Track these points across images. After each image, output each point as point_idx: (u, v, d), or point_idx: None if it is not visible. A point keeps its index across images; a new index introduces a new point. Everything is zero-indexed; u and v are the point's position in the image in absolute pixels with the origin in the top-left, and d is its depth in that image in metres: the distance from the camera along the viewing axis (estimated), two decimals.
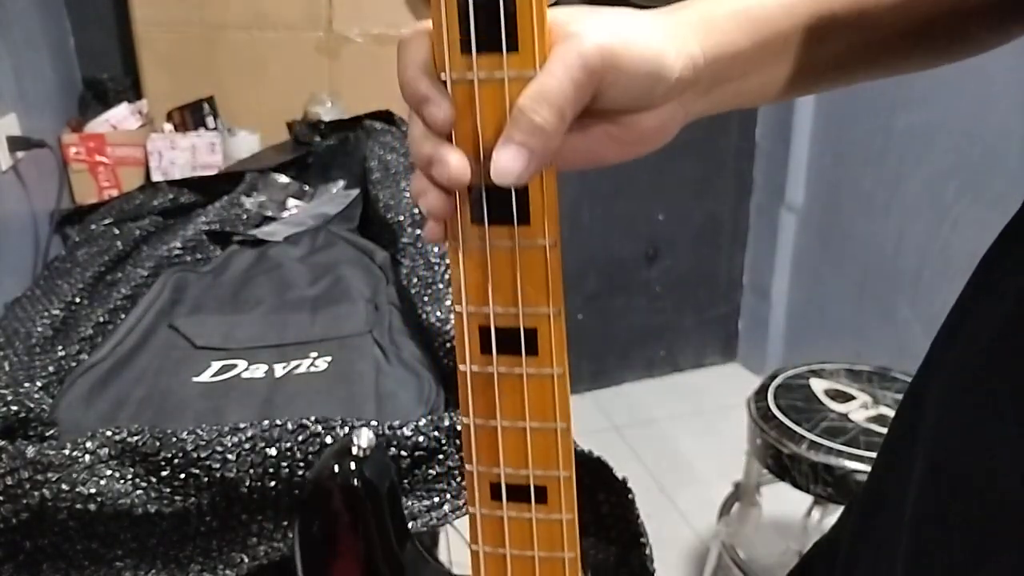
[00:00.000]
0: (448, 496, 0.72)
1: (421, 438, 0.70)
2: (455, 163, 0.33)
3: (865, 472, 1.18)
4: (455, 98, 0.32)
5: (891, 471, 0.41)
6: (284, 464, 0.67)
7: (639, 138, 0.37)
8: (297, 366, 0.85)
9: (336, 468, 0.54)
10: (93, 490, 0.65)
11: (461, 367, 0.39)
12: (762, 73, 0.39)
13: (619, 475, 0.72)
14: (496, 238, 0.35)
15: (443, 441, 0.71)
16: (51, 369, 0.83)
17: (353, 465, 0.54)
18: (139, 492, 0.67)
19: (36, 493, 0.65)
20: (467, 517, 0.73)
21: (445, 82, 0.32)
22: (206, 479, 0.67)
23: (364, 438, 0.54)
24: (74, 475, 0.65)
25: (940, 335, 0.40)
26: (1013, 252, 0.36)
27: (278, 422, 0.69)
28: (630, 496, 0.74)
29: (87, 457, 0.66)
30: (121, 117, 1.47)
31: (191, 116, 1.54)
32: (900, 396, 0.98)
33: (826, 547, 0.49)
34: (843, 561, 0.44)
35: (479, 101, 0.32)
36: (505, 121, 0.32)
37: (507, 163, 0.31)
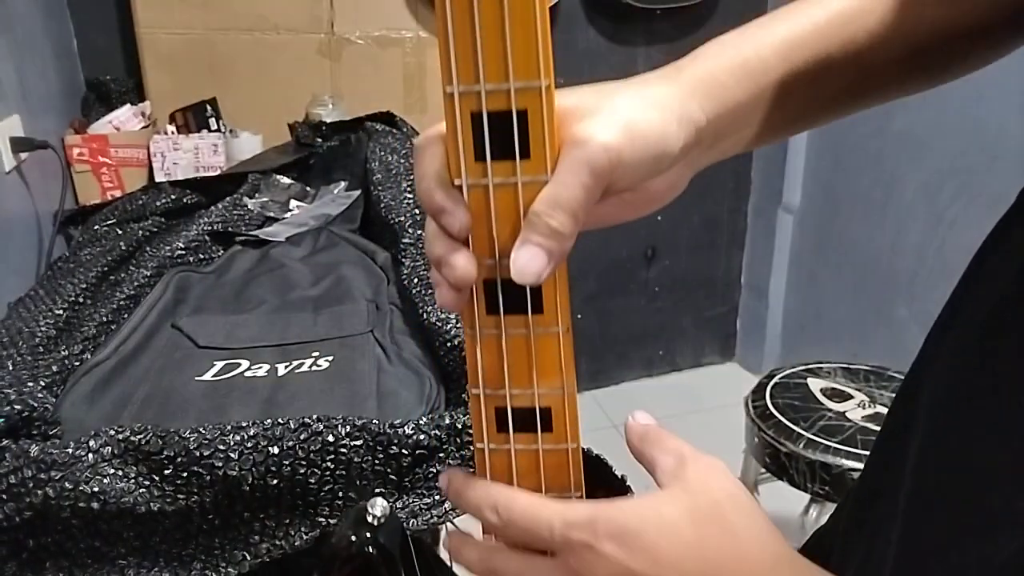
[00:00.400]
0: None
1: (422, 436, 0.71)
2: (462, 267, 0.34)
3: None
4: (470, 201, 0.34)
5: (885, 465, 0.42)
6: (286, 462, 0.68)
7: (650, 199, 0.39)
8: (299, 365, 0.86)
9: (353, 537, 0.57)
10: (96, 488, 0.66)
11: (479, 445, 0.40)
12: (762, 120, 0.41)
13: (618, 473, 0.73)
14: (511, 327, 0.36)
15: (444, 440, 0.72)
16: (54, 368, 0.84)
17: (369, 534, 0.56)
18: (142, 490, 0.67)
19: (39, 492, 0.65)
20: (467, 515, 0.74)
21: (460, 187, 0.34)
22: (208, 477, 0.67)
23: (379, 508, 0.57)
24: (77, 474, 0.66)
25: (933, 331, 0.41)
26: (1002, 247, 0.37)
27: (280, 421, 0.69)
28: (630, 494, 0.74)
29: (90, 456, 0.66)
30: (124, 118, 1.48)
31: (194, 118, 1.55)
32: None
33: (820, 540, 0.50)
34: (838, 552, 0.45)
35: (494, 204, 0.34)
36: (519, 221, 0.34)
37: (527, 264, 0.33)
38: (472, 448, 0.74)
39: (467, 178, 0.33)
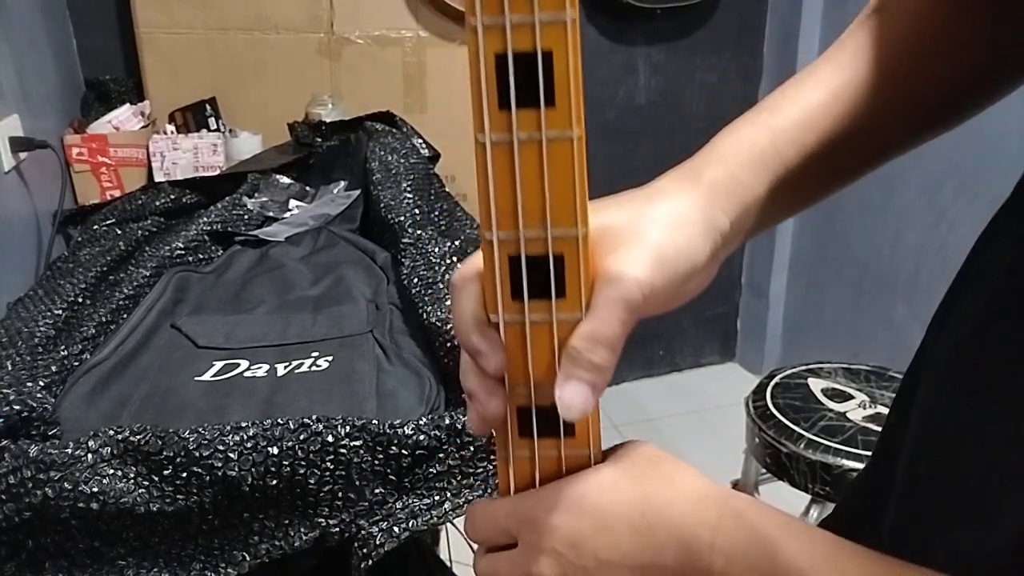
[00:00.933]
0: (448, 494, 0.73)
1: (422, 437, 0.71)
2: (493, 409, 0.36)
3: None
4: (506, 335, 0.35)
5: (882, 460, 0.42)
6: (286, 463, 0.68)
7: (680, 299, 0.39)
8: (299, 365, 0.85)
9: None
10: (95, 489, 0.66)
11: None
12: (781, 206, 0.42)
13: None
14: (543, 448, 0.38)
15: (444, 440, 0.72)
16: (53, 368, 0.84)
17: None
18: (141, 491, 0.67)
19: (39, 492, 0.65)
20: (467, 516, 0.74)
21: (497, 324, 0.35)
22: (208, 478, 0.67)
23: None
24: (76, 474, 0.66)
25: (930, 328, 0.41)
26: (994, 244, 0.37)
27: (280, 421, 0.69)
28: None
29: (89, 456, 0.66)
30: (123, 118, 1.48)
31: (193, 117, 1.55)
32: None
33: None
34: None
35: (530, 339, 0.35)
36: (553, 353, 0.35)
37: (572, 398, 0.34)
38: (470, 447, 0.74)
39: (504, 315, 0.35)
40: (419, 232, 1.12)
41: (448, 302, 0.92)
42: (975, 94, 0.44)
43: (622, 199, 0.38)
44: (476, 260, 0.35)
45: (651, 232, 0.35)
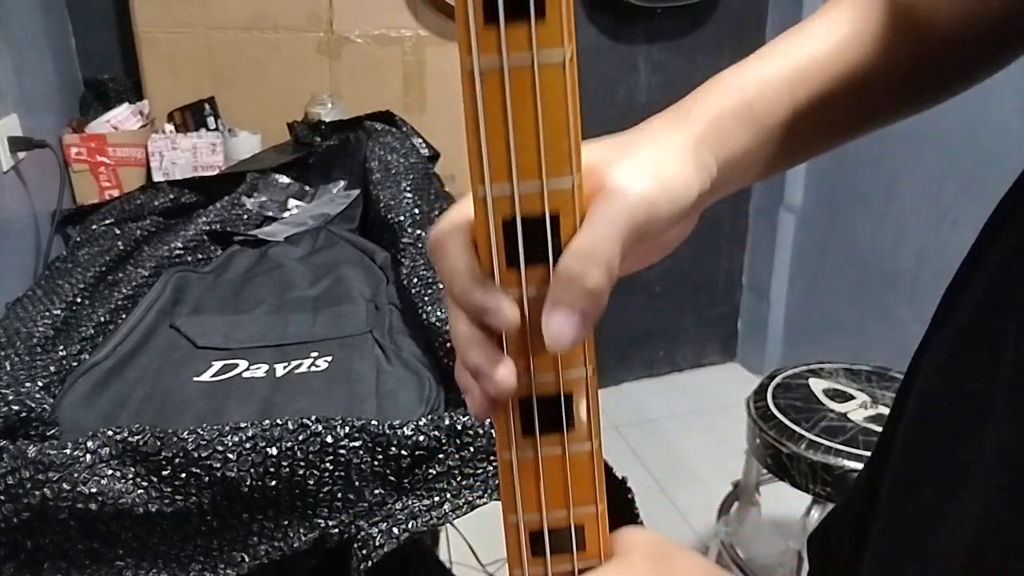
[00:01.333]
0: (448, 495, 0.73)
1: (421, 437, 0.71)
2: (504, 378, 0.32)
3: None
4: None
5: (882, 456, 0.42)
6: (285, 463, 0.68)
7: (662, 248, 0.38)
8: (298, 366, 0.85)
9: None
10: (94, 489, 0.66)
11: (516, 572, 0.40)
12: (767, 159, 0.40)
13: (619, 474, 0.73)
14: (547, 446, 0.35)
15: (443, 440, 0.72)
16: (52, 369, 0.84)
17: None
18: (140, 491, 0.67)
19: (37, 492, 0.65)
20: (467, 516, 0.73)
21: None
22: (207, 478, 0.67)
23: None
24: (75, 474, 0.65)
25: (929, 327, 0.41)
26: (997, 235, 0.37)
27: (279, 421, 0.69)
28: (630, 495, 0.74)
29: (88, 457, 0.66)
30: (122, 118, 1.48)
31: (192, 117, 1.54)
32: None
33: (820, 538, 0.50)
34: (847, 545, 0.45)
35: (529, 317, 0.31)
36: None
37: (561, 328, 0.30)
38: (470, 448, 0.74)
39: (501, 287, 0.31)
40: (419, 232, 1.12)
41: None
42: (972, 59, 0.43)
43: (607, 137, 0.35)
44: (453, 214, 0.32)
45: (651, 151, 0.33)
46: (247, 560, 0.70)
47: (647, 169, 0.32)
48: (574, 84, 0.28)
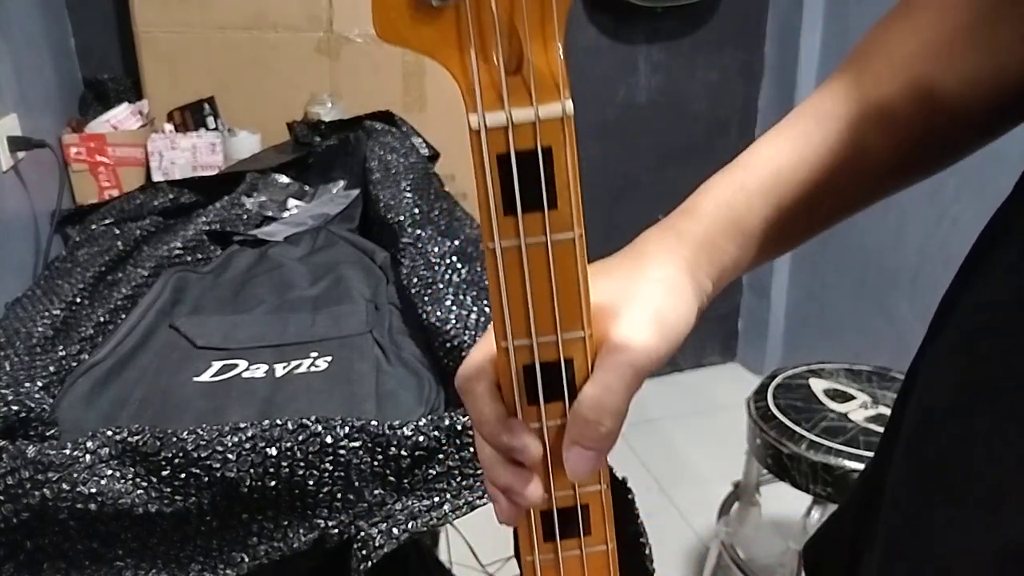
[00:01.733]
0: (448, 496, 0.73)
1: (421, 438, 0.71)
2: (533, 494, 0.36)
3: None
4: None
5: (885, 457, 0.42)
6: (284, 464, 0.68)
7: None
8: (297, 366, 0.85)
9: None
10: (94, 490, 0.66)
11: None
12: (757, 260, 0.43)
13: (619, 475, 0.72)
14: (566, 550, 0.39)
15: (443, 441, 0.72)
16: (52, 369, 0.84)
17: None
18: (139, 492, 0.67)
19: (37, 493, 0.65)
20: (467, 516, 0.73)
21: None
22: (206, 479, 0.67)
23: None
24: (75, 475, 0.65)
25: (931, 325, 0.41)
26: (998, 239, 0.37)
27: (278, 422, 0.69)
28: (630, 496, 0.74)
29: (88, 457, 0.66)
30: (122, 117, 1.48)
31: (192, 116, 1.54)
32: None
33: (821, 540, 0.50)
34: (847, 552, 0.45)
35: (550, 446, 0.36)
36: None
37: (577, 463, 0.35)
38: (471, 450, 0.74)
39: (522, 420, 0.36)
40: (418, 232, 1.12)
41: (448, 302, 0.92)
42: (968, 133, 0.44)
43: (609, 268, 0.38)
44: (477, 354, 0.36)
45: (650, 296, 0.36)
46: (247, 560, 0.70)
47: (647, 317, 0.36)
48: (583, 255, 0.33)
